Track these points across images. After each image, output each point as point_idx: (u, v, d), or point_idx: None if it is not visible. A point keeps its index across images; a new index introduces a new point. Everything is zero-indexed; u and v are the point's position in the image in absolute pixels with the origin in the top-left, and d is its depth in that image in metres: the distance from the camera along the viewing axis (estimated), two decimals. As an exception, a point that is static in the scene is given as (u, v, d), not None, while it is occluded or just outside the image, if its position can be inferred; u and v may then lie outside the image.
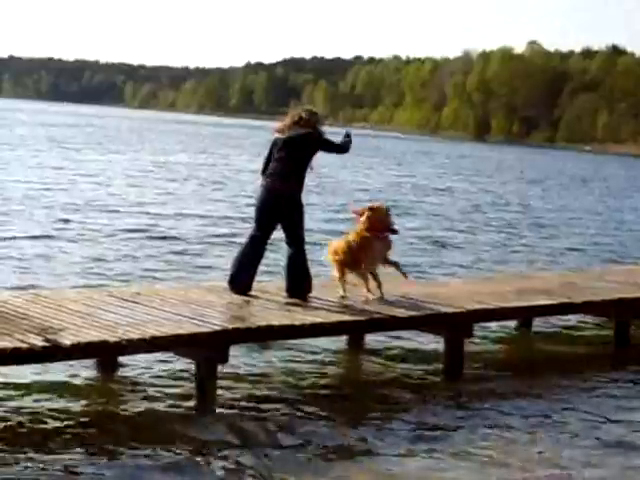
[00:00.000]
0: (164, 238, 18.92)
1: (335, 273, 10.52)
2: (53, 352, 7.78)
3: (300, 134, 10.23)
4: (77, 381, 9.14)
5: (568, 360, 11.64)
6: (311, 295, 10.26)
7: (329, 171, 37.69)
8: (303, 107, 10.82)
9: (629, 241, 25.55)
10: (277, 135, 10.38)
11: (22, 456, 7.21)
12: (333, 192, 32.32)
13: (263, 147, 11.48)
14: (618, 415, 9.33)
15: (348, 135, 10.63)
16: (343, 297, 10.38)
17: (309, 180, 10.49)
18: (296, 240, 10.31)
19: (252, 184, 31.90)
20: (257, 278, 10.37)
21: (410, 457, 7.81)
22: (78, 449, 7.45)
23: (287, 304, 10.04)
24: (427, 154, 78.11)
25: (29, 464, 7.07)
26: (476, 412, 9.13)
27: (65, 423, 8.04)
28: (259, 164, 10.57)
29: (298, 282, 10.26)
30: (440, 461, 7.76)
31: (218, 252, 17.52)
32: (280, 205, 10.18)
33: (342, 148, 10.55)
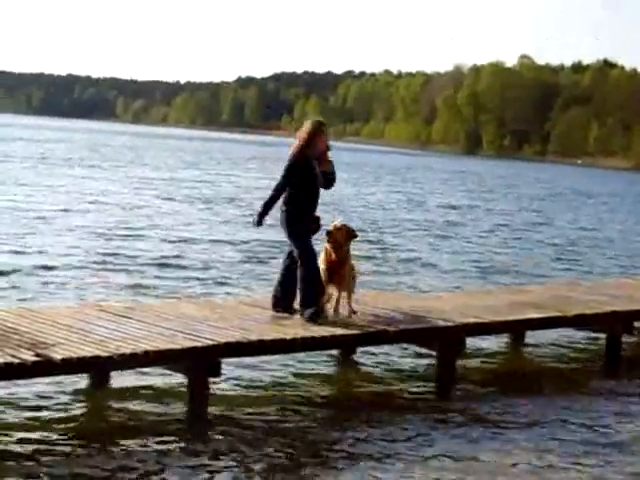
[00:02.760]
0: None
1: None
2: (44, 367, 7.77)
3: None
4: (67, 395, 9.10)
5: (560, 374, 11.64)
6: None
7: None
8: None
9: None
10: None
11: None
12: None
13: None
14: (609, 429, 9.32)
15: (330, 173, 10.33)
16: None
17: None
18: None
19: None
20: (249, 292, 10.37)
21: (404, 471, 7.79)
22: (65, 466, 7.42)
23: (280, 318, 10.03)
24: (428, 169, 78.11)
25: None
26: (467, 426, 9.11)
27: (54, 436, 8.01)
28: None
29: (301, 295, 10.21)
30: (433, 474, 7.74)
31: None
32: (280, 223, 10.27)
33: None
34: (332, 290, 10.43)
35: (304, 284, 10.07)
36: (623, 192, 64.11)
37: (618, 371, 11.89)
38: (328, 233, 10.30)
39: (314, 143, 10.13)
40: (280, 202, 10.19)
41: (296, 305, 10.22)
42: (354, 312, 10.38)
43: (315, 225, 10.21)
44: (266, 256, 19.21)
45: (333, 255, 10.26)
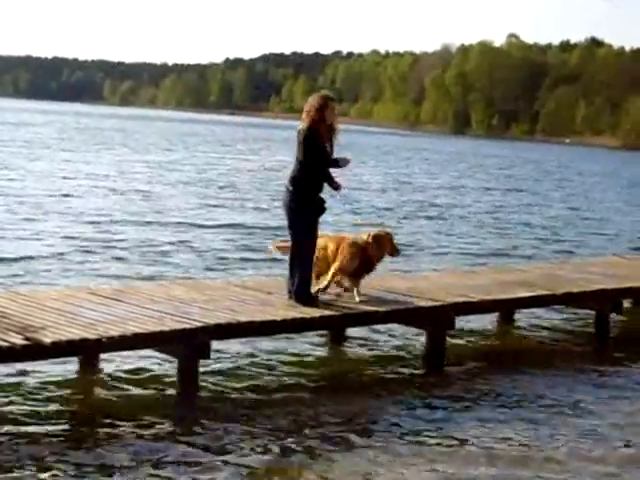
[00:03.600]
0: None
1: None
2: (34, 350, 7.76)
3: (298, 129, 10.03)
4: (56, 378, 9.09)
5: (549, 352, 11.67)
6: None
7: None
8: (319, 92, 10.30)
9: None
10: None
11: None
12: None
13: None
14: (597, 407, 9.36)
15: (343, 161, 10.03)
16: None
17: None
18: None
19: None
20: (238, 274, 10.34)
21: (392, 450, 7.81)
22: (52, 450, 7.41)
23: (269, 299, 10.04)
24: (419, 149, 78.09)
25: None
26: (457, 405, 9.14)
27: (42, 420, 8.01)
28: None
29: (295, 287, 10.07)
30: (423, 454, 7.77)
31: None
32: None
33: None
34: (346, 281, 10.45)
35: (297, 271, 9.95)
36: (614, 171, 64.12)
37: (606, 349, 11.93)
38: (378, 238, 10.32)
39: (324, 117, 9.83)
40: (285, 181, 10.02)
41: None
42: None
43: (321, 207, 9.96)
44: (256, 239, 19.21)
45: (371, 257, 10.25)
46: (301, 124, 9.92)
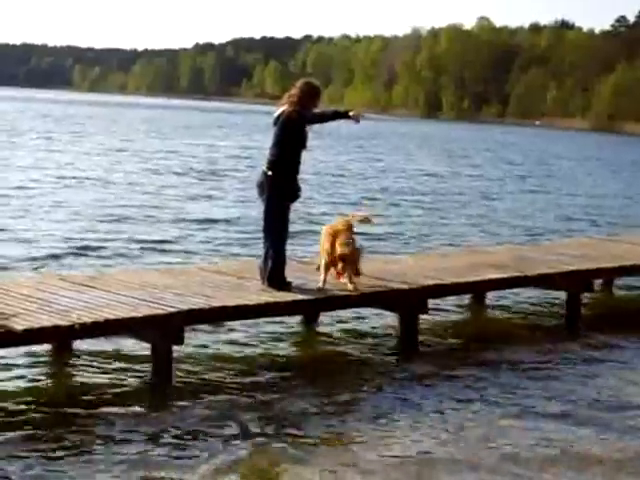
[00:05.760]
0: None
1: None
2: (6, 338, 7.74)
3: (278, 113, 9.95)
4: (29, 364, 9.07)
5: (520, 334, 11.73)
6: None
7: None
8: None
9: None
10: None
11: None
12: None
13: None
14: (567, 388, 9.43)
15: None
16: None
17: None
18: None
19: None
20: (211, 259, 10.32)
21: (370, 433, 7.85)
22: (25, 435, 7.42)
23: (242, 284, 10.04)
24: (393, 134, 78.05)
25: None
26: (431, 387, 9.20)
27: (15, 406, 8.00)
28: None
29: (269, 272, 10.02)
30: (399, 436, 7.82)
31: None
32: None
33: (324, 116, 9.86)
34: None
35: (270, 259, 9.91)
36: (591, 155, 64.34)
37: (577, 330, 12.01)
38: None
39: (311, 105, 9.83)
40: (264, 162, 9.94)
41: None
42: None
43: (296, 193, 9.92)
44: (229, 225, 19.21)
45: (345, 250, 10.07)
46: (284, 107, 9.86)
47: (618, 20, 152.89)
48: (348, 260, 10.04)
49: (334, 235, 10.13)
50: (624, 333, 11.90)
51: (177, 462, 7.07)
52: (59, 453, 7.07)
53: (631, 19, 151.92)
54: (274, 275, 9.90)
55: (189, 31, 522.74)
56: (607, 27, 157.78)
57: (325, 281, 10.06)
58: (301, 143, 9.83)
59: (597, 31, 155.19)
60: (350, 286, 10.08)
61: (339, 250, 9.99)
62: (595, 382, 9.73)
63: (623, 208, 29.02)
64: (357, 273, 10.29)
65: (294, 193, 9.92)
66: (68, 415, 7.90)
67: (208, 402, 8.39)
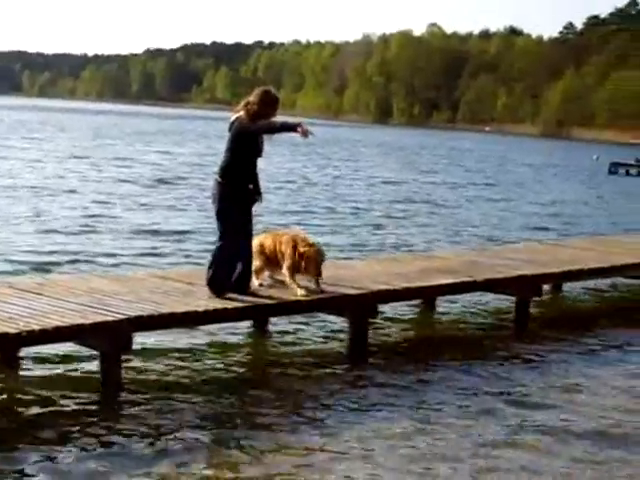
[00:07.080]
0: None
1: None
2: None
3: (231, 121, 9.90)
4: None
5: (471, 338, 11.79)
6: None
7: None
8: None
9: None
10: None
11: None
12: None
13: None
14: (515, 394, 9.48)
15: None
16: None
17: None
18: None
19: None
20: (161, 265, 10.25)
21: (316, 443, 7.85)
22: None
23: (191, 290, 9.99)
24: (345, 140, 78.11)
25: None
26: (378, 394, 9.19)
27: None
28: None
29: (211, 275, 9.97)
30: (347, 446, 7.80)
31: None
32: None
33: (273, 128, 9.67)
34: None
35: (215, 265, 9.86)
36: (544, 160, 64.85)
37: (527, 334, 12.08)
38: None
39: (267, 114, 9.73)
40: (216, 169, 9.91)
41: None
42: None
43: (253, 198, 9.88)
44: (183, 232, 19.13)
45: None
46: (239, 114, 9.80)
47: (566, 27, 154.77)
48: (312, 259, 10.14)
49: (294, 239, 10.26)
50: (568, 336, 12.00)
51: (127, 470, 7.01)
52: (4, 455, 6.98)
53: (579, 26, 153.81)
54: (213, 280, 9.85)
55: (139, 36, 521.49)
56: (555, 34, 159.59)
57: (302, 287, 10.14)
58: (254, 151, 9.79)
59: (546, 38, 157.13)
60: (299, 292, 10.09)
61: (303, 249, 10.14)
62: (544, 384, 9.80)
63: (578, 213, 29.36)
64: (319, 274, 10.36)
65: (250, 198, 9.88)
66: (12, 419, 7.81)
67: (156, 408, 8.32)
